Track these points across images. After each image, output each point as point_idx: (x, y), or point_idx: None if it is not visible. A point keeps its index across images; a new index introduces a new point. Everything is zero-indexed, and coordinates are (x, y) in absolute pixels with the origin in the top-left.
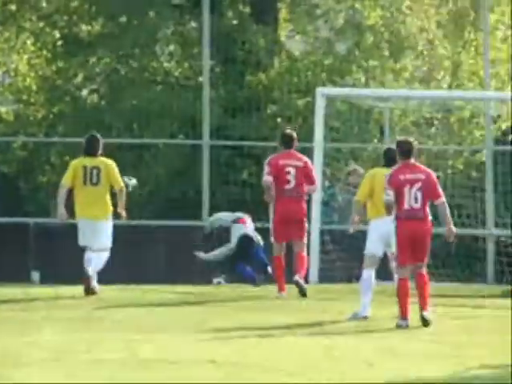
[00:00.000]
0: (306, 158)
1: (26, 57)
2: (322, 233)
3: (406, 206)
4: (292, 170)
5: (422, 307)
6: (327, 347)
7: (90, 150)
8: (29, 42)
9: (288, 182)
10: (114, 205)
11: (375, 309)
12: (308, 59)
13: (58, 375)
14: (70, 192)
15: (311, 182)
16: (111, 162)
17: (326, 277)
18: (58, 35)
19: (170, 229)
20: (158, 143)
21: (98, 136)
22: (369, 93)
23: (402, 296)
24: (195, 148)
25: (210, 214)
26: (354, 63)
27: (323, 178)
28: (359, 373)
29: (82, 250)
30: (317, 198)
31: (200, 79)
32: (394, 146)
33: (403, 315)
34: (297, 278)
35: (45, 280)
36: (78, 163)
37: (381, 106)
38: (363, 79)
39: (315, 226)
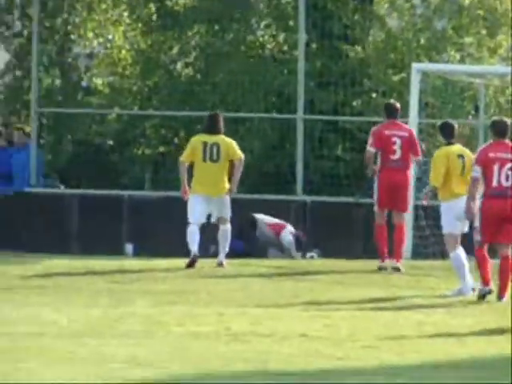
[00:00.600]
0: (410, 128)
1: (121, 29)
2: (416, 208)
3: (494, 184)
4: (398, 141)
5: (501, 293)
6: (419, 322)
7: (212, 128)
8: (125, 14)
9: (394, 152)
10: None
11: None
12: (404, 35)
13: (149, 348)
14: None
15: (417, 152)
16: (230, 140)
17: (419, 253)
18: (153, 8)
19: (264, 203)
20: (252, 117)
21: (220, 114)
22: (464, 69)
23: (481, 263)
24: (289, 122)
25: (304, 189)
26: (450, 40)
27: None
28: (450, 348)
29: (186, 224)
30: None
31: (295, 53)
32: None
33: (485, 282)
34: (398, 265)
35: (138, 253)
36: (197, 139)
37: (476, 83)
38: (458, 56)
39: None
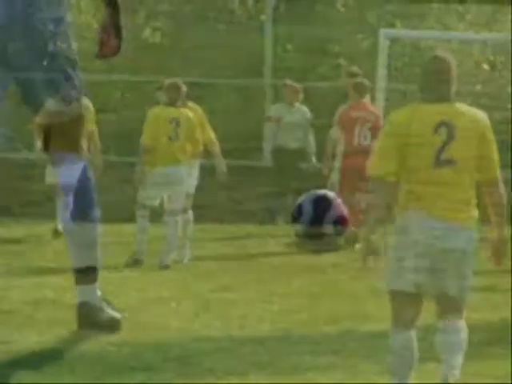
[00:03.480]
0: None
1: None
2: None
3: (355, 143)
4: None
5: None
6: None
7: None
8: None
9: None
10: None
11: None
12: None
13: None
14: None
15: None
16: None
17: None
18: None
19: (232, 169)
20: (217, 83)
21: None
22: (432, 35)
23: None
24: (256, 88)
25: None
26: (419, 4)
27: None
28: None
29: None
30: None
31: (263, 17)
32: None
33: None
34: None
35: None
36: None
37: (444, 48)
38: (428, 21)
39: None
